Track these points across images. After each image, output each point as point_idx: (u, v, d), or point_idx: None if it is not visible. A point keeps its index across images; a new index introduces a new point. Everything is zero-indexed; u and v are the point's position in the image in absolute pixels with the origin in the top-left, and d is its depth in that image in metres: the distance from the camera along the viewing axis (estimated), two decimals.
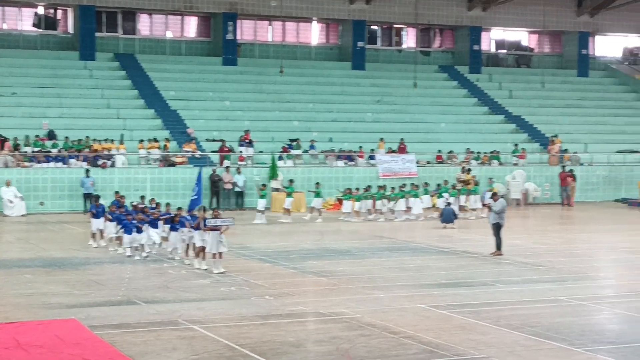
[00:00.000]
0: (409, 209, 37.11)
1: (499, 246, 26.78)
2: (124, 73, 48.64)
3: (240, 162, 41.95)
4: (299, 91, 50.54)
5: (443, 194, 37.37)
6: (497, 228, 26.84)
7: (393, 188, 37.90)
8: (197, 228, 23.52)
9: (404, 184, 38.29)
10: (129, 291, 20.22)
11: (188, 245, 24.38)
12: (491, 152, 46.77)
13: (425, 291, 20.62)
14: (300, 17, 53.48)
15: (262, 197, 36.14)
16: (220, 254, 22.82)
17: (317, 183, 38.05)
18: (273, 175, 40.51)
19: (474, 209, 38.31)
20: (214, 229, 22.79)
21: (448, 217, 34.63)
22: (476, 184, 39.81)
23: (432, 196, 38.23)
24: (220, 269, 22.60)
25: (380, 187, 37.93)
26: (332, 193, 40.64)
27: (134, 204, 27.69)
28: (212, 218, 23.24)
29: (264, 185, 37.55)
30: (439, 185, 38.87)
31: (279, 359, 14.55)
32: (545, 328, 16.84)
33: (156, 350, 14.96)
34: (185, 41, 52.67)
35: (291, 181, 38.08)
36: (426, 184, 39.21)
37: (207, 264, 23.12)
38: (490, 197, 28.98)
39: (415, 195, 37.24)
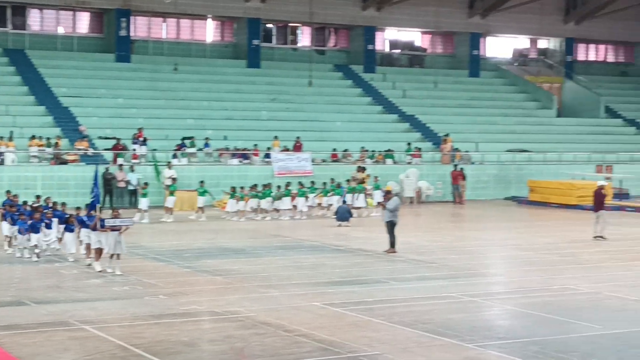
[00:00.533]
0: (294, 207, 37.10)
1: (392, 244, 27.06)
2: (14, 69, 47.58)
3: (133, 160, 41.45)
4: (193, 89, 50.21)
5: (328, 193, 37.66)
6: (391, 226, 27.11)
7: (279, 187, 37.76)
8: (94, 228, 22.87)
9: (289, 183, 38.26)
10: (19, 292, 19.78)
11: (88, 245, 23.64)
12: (385, 151, 47.25)
13: (320, 289, 20.70)
14: (195, 15, 53.11)
15: (143, 195, 35.88)
16: (118, 255, 22.38)
17: (202, 182, 37.79)
18: (157, 175, 40.01)
19: (357, 208, 38.27)
20: (114, 229, 22.35)
21: (343, 215, 34.84)
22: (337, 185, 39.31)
23: (317, 195, 38.31)
24: (117, 271, 22.16)
25: (264, 185, 37.70)
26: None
27: (29, 203, 27.09)
28: (111, 218, 22.80)
29: (145, 184, 37.17)
30: (324, 183, 38.99)
31: (172, 358, 14.42)
32: (438, 324, 17.08)
33: (47, 351, 14.67)
34: (78, 37, 51.79)
35: (174, 179, 37.76)
36: (312, 182, 39.28)
37: (102, 265, 22.72)
38: (384, 196, 29.29)
39: (302, 194, 37.25)
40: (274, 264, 24.70)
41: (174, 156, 42.38)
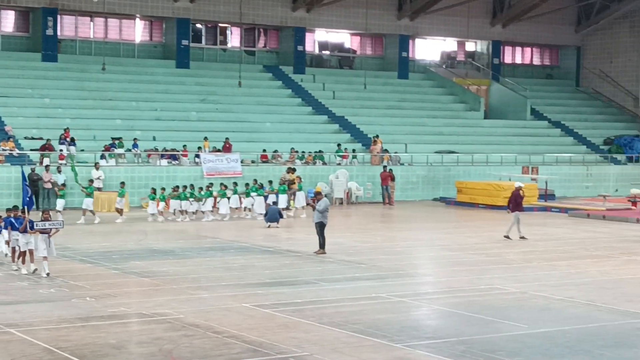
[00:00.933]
0: (216, 208, 36.85)
1: (322, 245, 27.14)
2: None
3: (60, 161, 40.89)
4: (121, 89, 49.73)
5: (251, 194, 37.70)
6: (320, 227, 27.18)
7: (201, 188, 37.36)
8: (24, 231, 22.32)
9: (211, 184, 37.99)
10: None
11: (14, 249, 23.06)
12: (315, 152, 47.35)
13: (250, 290, 20.68)
14: (123, 14, 52.58)
15: (60, 197, 35.44)
16: (46, 257, 22.00)
17: (122, 183, 37.34)
18: (75, 175, 39.45)
19: (286, 208, 38.15)
20: (43, 231, 22.00)
21: (273, 216, 34.82)
22: (259, 186, 38.90)
23: (240, 196, 38.17)
24: (44, 273, 21.81)
25: (185, 187, 37.39)
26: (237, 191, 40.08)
27: None
28: (41, 220, 22.36)
29: (63, 185, 36.70)
30: (247, 184, 38.86)
31: None
32: (367, 325, 17.18)
33: None
34: (2, 36, 50.91)
35: (91, 181, 37.22)
36: (235, 184, 39.04)
37: (31, 268, 22.35)
38: (313, 197, 29.36)
39: (223, 195, 37.01)
40: (203, 265, 24.60)
41: (102, 157, 41.92)
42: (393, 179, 46.44)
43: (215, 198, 37.11)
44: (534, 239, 32.33)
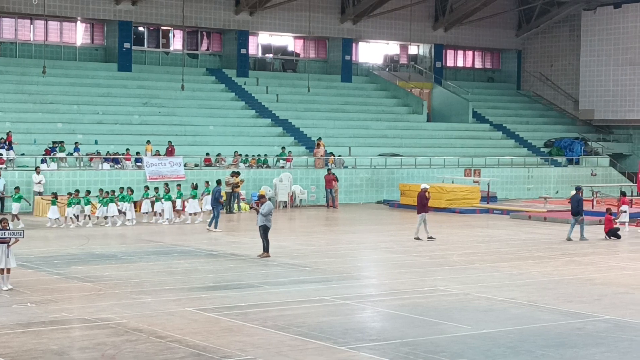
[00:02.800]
0: (122, 213, 36.11)
1: (266, 248, 27.11)
2: None
3: (0, 165, 40.35)
4: (62, 92, 49.18)
5: (181, 196, 37.49)
6: (264, 230, 27.15)
7: (107, 192, 36.67)
8: None
9: (113, 190, 37.03)
10: None
11: None
12: (259, 155, 47.28)
13: (193, 294, 20.58)
14: (64, 17, 52.03)
15: (16, 200, 35.01)
16: (8, 269, 20.68)
17: (17, 188, 36.34)
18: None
19: (194, 213, 37.45)
20: (2, 241, 20.50)
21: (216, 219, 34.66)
22: (194, 187, 38.21)
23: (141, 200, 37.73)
24: (8, 286, 20.61)
25: (87, 192, 36.78)
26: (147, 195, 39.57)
27: None
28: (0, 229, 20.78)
29: (17, 188, 36.16)
30: (147, 187, 38.53)
31: None
32: (311, 327, 17.19)
33: None
34: None
35: (17, 188, 36.45)
36: (147, 187, 38.55)
37: None
38: (257, 200, 29.31)
39: (128, 200, 36.43)
40: (146, 269, 24.44)
41: (43, 161, 41.44)
42: (337, 182, 46.55)
43: (146, 202, 36.51)
44: (477, 240, 32.64)
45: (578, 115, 62.85)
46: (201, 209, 37.89)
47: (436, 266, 25.87)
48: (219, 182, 37.25)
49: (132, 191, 37.13)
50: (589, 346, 16.15)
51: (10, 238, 20.71)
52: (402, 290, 21.77)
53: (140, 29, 55.26)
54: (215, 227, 34.40)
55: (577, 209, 32.49)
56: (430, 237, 32.05)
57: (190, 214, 37.48)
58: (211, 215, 35.54)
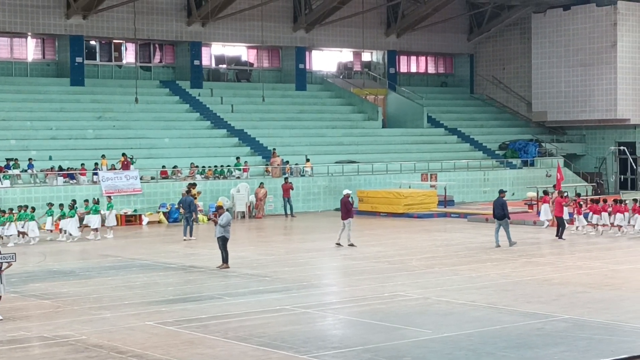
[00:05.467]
0: (23, 233, 34.89)
1: (225, 259, 27.04)
2: None
3: None
4: (15, 109, 48.67)
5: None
6: (222, 241, 27.08)
7: (4, 212, 35.57)
8: None
9: (12, 208, 35.63)
10: None
11: None
12: (215, 166, 47.14)
13: (153, 308, 20.47)
14: (14, 32, 51.52)
15: None
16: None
17: None
18: None
19: (95, 229, 36.12)
20: None
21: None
22: (96, 202, 37.07)
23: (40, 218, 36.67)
24: None
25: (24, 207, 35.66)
26: (51, 213, 39.19)
27: None
28: None
29: None
30: (50, 204, 37.37)
31: None
32: (272, 337, 17.17)
33: None
34: None
35: None
36: (50, 204, 37.40)
37: None
38: (214, 211, 29.24)
39: (31, 218, 35.25)
40: (105, 284, 24.26)
41: None
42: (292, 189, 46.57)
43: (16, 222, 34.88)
44: (435, 244, 32.78)
45: (531, 117, 63.38)
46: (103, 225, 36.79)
47: (395, 271, 25.95)
48: (188, 192, 37.06)
49: (33, 209, 35.91)
50: (548, 346, 16.29)
51: (1, 263, 19.43)
52: (363, 296, 21.81)
53: (92, 42, 54.88)
54: (191, 236, 34.60)
55: (501, 212, 31.91)
56: (351, 244, 31.98)
57: (92, 230, 35.97)
58: (184, 225, 35.47)
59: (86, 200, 37.56)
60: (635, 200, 35.71)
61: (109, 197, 39.05)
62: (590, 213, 35.91)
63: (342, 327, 18.76)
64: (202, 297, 21.97)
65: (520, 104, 65.16)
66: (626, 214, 35.11)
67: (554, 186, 40.69)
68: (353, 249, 31.48)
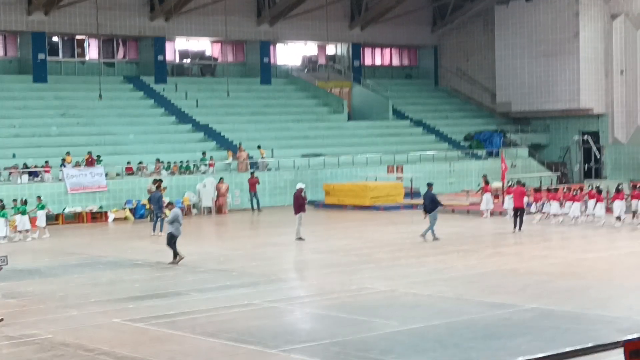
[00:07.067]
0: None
1: (175, 255, 26.88)
2: None
3: None
4: None
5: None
6: (169, 238, 26.88)
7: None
8: None
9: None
10: None
11: None
12: (181, 162, 46.97)
13: (120, 305, 20.39)
14: None
15: None
16: None
17: None
18: None
19: (26, 230, 35.35)
20: None
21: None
22: (24, 202, 36.01)
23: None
24: None
25: None
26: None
27: None
28: None
29: None
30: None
31: None
32: (241, 332, 17.16)
33: None
34: None
35: None
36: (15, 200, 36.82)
37: None
38: (166, 207, 29.13)
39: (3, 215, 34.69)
40: (71, 282, 24.13)
41: None
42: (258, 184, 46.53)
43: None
44: (402, 237, 32.87)
45: (496, 108, 63.71)
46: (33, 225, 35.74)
47: (362, 264, 26.01)
48: (158, 188, 36.91)
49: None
50: (515, 336, 16.41)
51: None
52: (330, 290, 21.85)
53: (55, 39, 54.44)
54: (161, 231, 34.41)
55: (430, 206, 31.73)
56: (300, 238, 31.97)
57: (20, 232, 35.18)
58: (153, 222, 35.30)
59: (14, 200, 36.44)
60: (591, 187, 36.14)
61: (39, 197, 37.52)
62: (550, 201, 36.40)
63: (310, 321, 18.79)
64: (170, 294, 21.91)
65: (485, 95, 65.47)
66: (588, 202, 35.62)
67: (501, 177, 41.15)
68: (317, 243, 31.51)
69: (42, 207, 36.52)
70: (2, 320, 18.79)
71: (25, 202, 36.12)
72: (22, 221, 35.21)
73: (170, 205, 27.96)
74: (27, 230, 35.28)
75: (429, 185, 33.19)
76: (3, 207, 34.94)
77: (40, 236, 35.44)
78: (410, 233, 34.05)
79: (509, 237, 32.36)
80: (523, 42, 60.12)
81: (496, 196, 44.72)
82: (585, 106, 58.05)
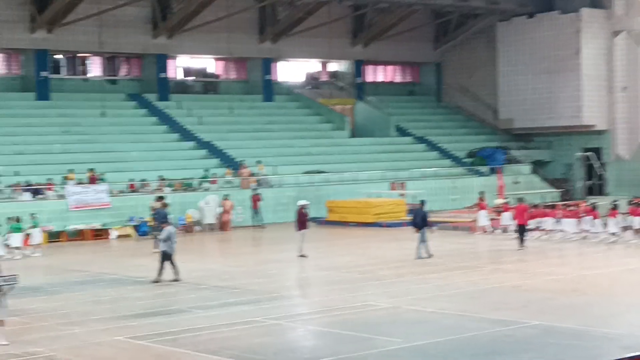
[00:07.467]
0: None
1: (159, 272, 26.71)
2: None
3: None
4: None
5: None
6: (163, 255, 26.79)
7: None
8: None
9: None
10: None
11: None
12: (184, 179, 46.99)
13: (122, 323, 20.37)
14: None
15: None
16: (2, 321, 18.44)
17: None
18: None
19: (17, 247, 34.98)
20: None
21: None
22: (17, 220, 35.69)
23: None
24: (4, 341, 18.18)
25: None
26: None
27: None
28: None
29: None
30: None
31: None
32: (243, 350, 17.13)
33: None
34: None
35: None
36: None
37: None
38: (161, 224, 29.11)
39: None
40: (73, 299, 24.11)
41: None
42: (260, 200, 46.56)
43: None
44: (405, 253, 32.82)
45: (498, 124, 63.73)
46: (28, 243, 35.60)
47: (366, 281, 25.98)
48: (164, 205, 36.95)
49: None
50: (518, 353, 16.37)
51: (3, 287, 18.39)
52: (333, 307, 21.82)
53: (57, 56, 54.58)
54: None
55: (421, 224, 31.69)
56: (303, 255, 31.97)
57: (13, 248, 34.86)
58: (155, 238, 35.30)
59: (9, 218, 36.16)
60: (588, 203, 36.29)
61: (32, 214, 37.22)
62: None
63: (313, 338, 18.76)
64: (172, 311, 21.89)
65: (487, 111, 65.47)
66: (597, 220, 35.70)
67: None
68: (320, 260, 31.48)
69: (36, 225, 36.38)
70: (7, 345, 18.52)
71: (18, 220, 35.90)
72: (15, 239, 34.97)
73: (165, 223, 27.90)
74: (17, 248, 34.91)
75: (422, 202, 33.25)
76: None
77: (31, 253, 35.17)
78: (413, 250, 33.97)
79: (509, 253, 32.29)
80: (525, 58, 60.19)
81: (498, 212, 44.73)
82: (587, 123, 58.04)
